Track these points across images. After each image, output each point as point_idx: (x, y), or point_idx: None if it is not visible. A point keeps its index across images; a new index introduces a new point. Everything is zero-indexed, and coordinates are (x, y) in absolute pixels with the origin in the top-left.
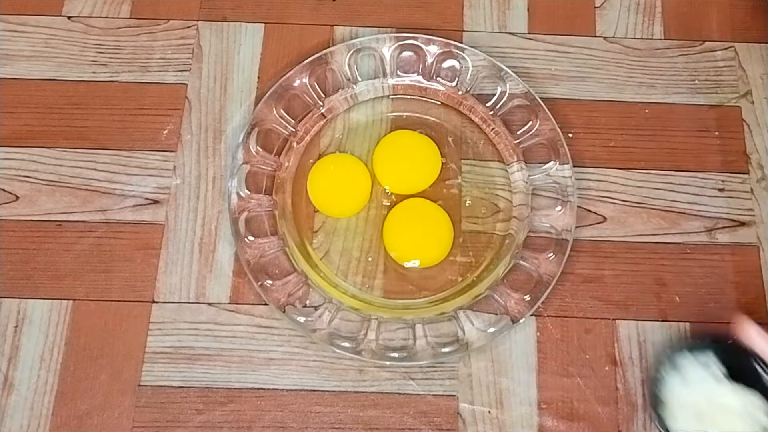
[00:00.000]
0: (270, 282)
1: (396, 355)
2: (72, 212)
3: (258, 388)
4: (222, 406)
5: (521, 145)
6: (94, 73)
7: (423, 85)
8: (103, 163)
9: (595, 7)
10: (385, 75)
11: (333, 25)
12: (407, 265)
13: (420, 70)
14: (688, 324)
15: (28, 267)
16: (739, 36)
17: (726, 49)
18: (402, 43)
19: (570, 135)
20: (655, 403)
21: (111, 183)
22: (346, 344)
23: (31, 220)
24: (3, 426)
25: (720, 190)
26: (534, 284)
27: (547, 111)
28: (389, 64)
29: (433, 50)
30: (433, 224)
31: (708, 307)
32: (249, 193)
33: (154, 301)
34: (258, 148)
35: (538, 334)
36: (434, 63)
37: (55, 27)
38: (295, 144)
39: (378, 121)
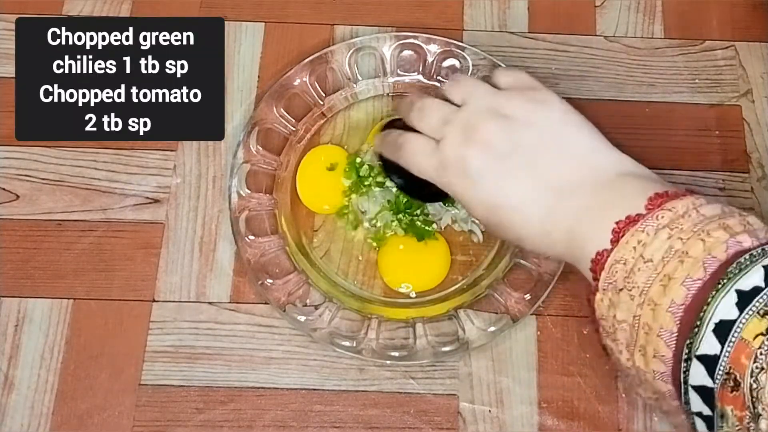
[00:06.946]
0: (270, 281)
1: (396, 354)
2: (72, 211)
3: (258, 387)
4: (222, 405)
5: None
6: None
7: (423, 84)
8: (103, 162)
9: (596, 6)
10: (385, 74)
11: (333, 24)
12: (400, 290)
13: (420, 69)
14: None
15: (29, 266)
16: (740, 35)
17: (726, 48)
18: (402, 42)
19: None
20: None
21: (111, 182)
22: (347, 343)
23: (32, 219)
24: (3, 425)
25: (720, 189)
26: (534, 283)
27: None
28: (389, 63)
29: (433, 49)
30: (427, 251)
31: None
32: (249, 192)
33: (154, 300)
34: (258, 147)
35: (539, 333)
36: (434, 62)
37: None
38: (295, 143)
39: (378, 119)
